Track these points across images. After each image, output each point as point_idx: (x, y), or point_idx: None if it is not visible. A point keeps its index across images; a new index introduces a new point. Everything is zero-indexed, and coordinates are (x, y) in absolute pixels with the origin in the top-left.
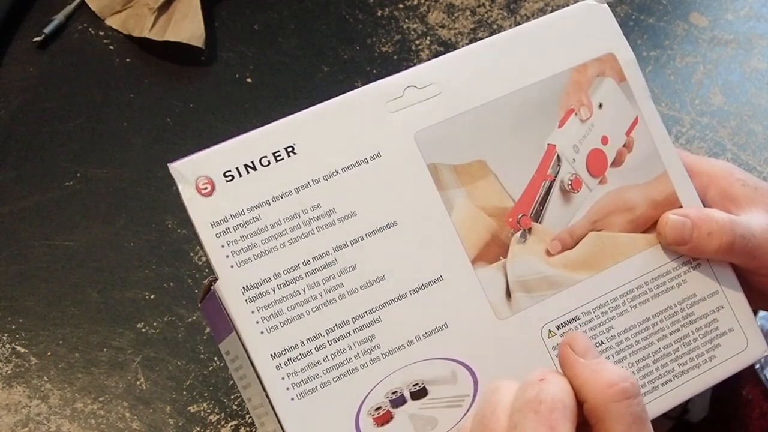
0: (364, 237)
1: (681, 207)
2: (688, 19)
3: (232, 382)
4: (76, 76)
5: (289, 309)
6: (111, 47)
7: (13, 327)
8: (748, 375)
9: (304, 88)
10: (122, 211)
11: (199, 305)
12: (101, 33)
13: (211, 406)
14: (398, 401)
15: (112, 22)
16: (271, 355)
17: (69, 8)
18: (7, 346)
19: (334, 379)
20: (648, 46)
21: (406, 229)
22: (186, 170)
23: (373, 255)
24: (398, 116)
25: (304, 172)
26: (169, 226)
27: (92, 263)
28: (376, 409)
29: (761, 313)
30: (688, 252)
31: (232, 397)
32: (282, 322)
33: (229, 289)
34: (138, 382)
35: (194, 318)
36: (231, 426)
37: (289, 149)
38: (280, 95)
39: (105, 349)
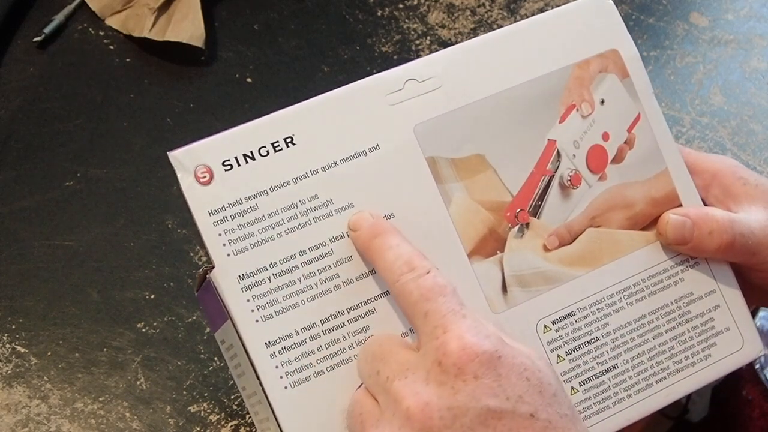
0: None
1: (681, 205)
2: (688, 19)
3: (232, 382)
4: (76, 76)
5: (285, 298)
6: (111, 47)
7: (13, 327)
8: (748, 375)
9: (304, 88)
10: (122, 211)
11: (196, 294)
12: (101, 33)
13: (211, 406)
14: None
15: (112, 22)
16: (266, 343)
17: (69, 8)
18: (7, 346)
19: (328, 369)
20: (648, 46)
21: (403, 222)
22: (185, 159)
23: None
24: (398, 109)
25: (302, 162)
26: (169, 226)
27: (92, 263)
28: None
29: (761, 312)
30: (688, 251)
31: (232, 397)
32: (277, 311)
33: (225, 277)
34: (138, 382)
35: (194, 318)
36: (231, 426)
37: (288, 140)
38: (280, 95)
39: (105, 349)
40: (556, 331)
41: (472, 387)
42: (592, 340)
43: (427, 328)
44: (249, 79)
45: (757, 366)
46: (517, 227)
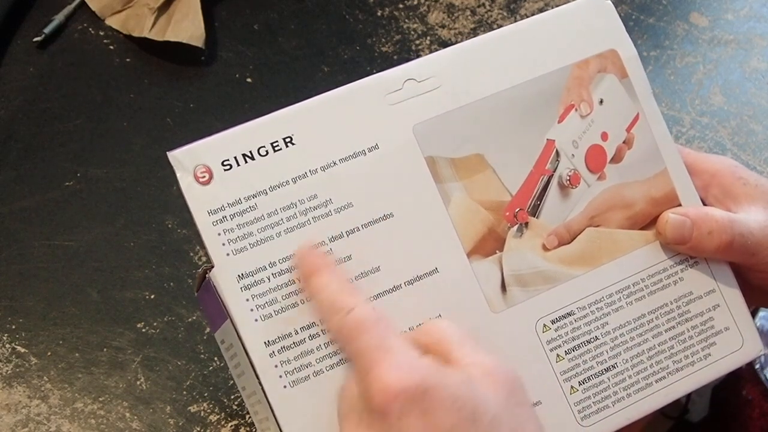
0: (360, 228)
1: (680, 205)
2: (688, 19)
3: (232, 382)
4: (76, 76)
5: (284, 297)
6: (111, 47)
7: (13, 327)
8: (748, 375)
9: (304, 88)
10: (122, 211)
11: (196, 294)
12: (101, 33)
13: (211, 406)
14: None
15: (112, 22)
16: (265, 343)
17: (69, 8)
18: (7, 346)
19: (327, 368)
20: (648, 46)
21: (402, 221)
22: (185, 158)
23: (369, 246)
24: (397, 109)
25: (301, 162)
26: (169, 226)
27: (92, 263)
28: None
29: (761, 312)
30: (687, 251)
31: (232, 397)
32: (276, 310)
33: (224, 276)
34: (138, 382)
35: (194, 318)
36: (231, 426)
37: (288, 140)
38: (280, 95)
39: (105, 349)
40: (556, 330)
41: (397, 428)
42: (592, 340)
43: (357, 368)
44: (249, 79)
45: (757, 366)
46: (516, 227)
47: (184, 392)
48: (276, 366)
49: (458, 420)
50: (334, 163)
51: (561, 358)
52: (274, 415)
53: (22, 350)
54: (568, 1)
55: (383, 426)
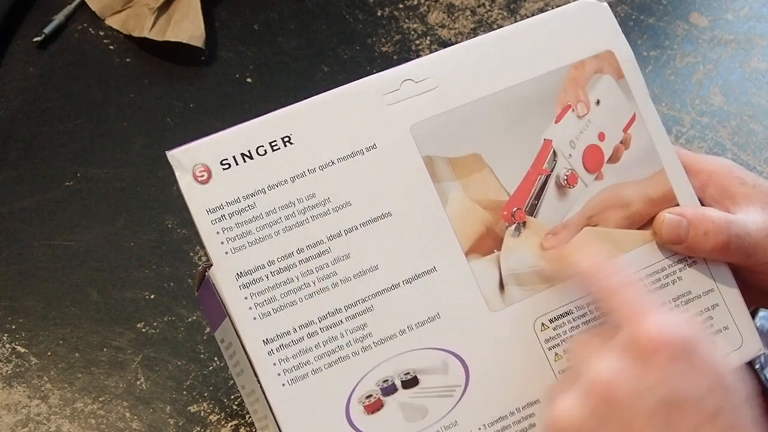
0: (359, 227)
1: (677, 204)
2: (688, 19)
3: (232, 382)
4: (76, 76)
5: (282, 296)
6: (111, 47)
7: (13, 327)
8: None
9: (304, 88)
10: (122, 211)
11: (196, 294)
12: (101, 33)
13: (211, 406)
14: (389, 389)
15: (112, 22)
16: (263, 341)
17: (69, 8)
18: (7, 346)
19: (326, 366)
20: (648, 46)
21: (400, 220)
22: (184, 158)
23: (367, 245)
24: (395, 109)
25: (299, 161)
26: (169, 226)
27: (92, 263)
28: (367, 397)
29: (761, 312)
30: (683, 251)
31: (232, 397)
32: (275, 308)
33: (222, 275)
34: (138, 382)
35: (194, 318)
36: (231, 426)
37: (286, 139)
38: (280, 95)
39: (105, 349)
40: (554, 329)
41: (664, 370)
42: None
43: (626, 315)
44: (249, 79)
45: (757, 366)
46: (514, 226)
47: (184, 392)
48: (274, 364)
49: (712, 383)
50: (333, 163)
51: (560, 357)
52: (272, 413)
53: (22, 350)
54: (569, 1)
55: (648, 366)
